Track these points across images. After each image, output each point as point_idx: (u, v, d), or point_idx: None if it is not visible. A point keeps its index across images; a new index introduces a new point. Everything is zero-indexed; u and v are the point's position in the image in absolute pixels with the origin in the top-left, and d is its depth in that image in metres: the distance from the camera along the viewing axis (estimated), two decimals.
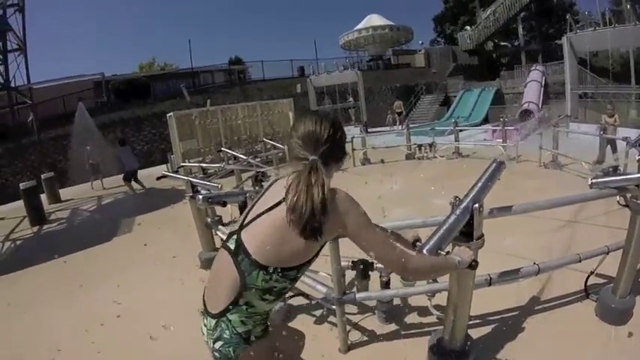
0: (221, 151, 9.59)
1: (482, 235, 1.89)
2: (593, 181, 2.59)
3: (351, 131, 13.63)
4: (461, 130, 12.83)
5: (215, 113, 11.34)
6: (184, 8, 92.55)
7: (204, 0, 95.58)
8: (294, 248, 1.12)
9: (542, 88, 21.28)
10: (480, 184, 1.99)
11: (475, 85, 24.99)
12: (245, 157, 8.77)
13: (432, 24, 42.32)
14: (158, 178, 5.35)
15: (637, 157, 5.85)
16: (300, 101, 21.96)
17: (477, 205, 1.83)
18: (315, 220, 1.08)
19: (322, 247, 1.22)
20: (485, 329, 2.69)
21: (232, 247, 1.19)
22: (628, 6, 11.45)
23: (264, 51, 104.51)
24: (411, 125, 10.84)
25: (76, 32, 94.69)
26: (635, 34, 10.41)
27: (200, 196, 3.47)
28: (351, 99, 21.33)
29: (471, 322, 2.39)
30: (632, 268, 2.60)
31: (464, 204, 1.87)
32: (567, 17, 12.63)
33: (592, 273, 2.90)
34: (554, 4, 29.23)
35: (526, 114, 17.31)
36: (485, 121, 19.46)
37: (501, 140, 9.30)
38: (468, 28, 29.10)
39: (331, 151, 1.20)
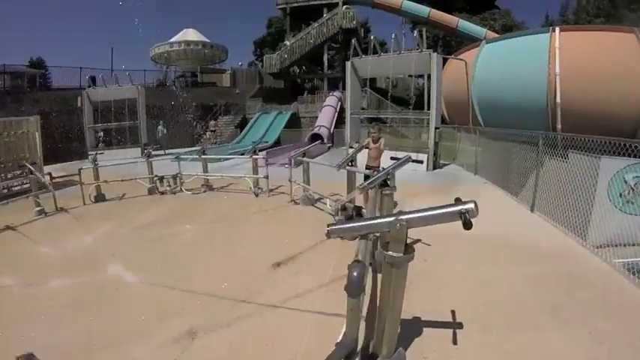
0: None
1: None
2: None
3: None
4: (229, 159, 10.89)
5: None
6: None
7: None
8: None
9: (337, 113, 21.90)
10: None
11: (274, 108, 25.11)
12: None
13: (253, 47, 42.35)
14: None
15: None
16: (79, 117, 18.11)
17: None
18: None
19: None
20: None
21: None
22: (415, 34, 11.62)
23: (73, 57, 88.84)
24: (167, 151, 8.23)
25: None
26: (418, 60, 10.26)
27: None
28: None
29: None
30: None
31: None
32: (352, 41, 11.87)
33: None
34: (359, 37, 31.31)
35: (316, 137, 16.95)
36: (277, 143, 19.45)
37: (251, 172, 7.78)
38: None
39: None
